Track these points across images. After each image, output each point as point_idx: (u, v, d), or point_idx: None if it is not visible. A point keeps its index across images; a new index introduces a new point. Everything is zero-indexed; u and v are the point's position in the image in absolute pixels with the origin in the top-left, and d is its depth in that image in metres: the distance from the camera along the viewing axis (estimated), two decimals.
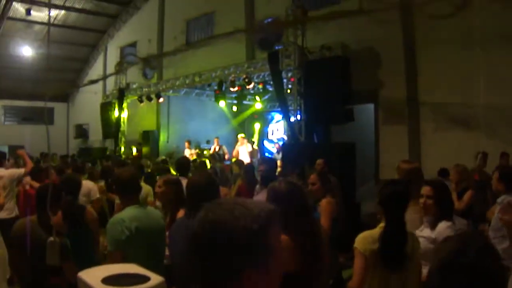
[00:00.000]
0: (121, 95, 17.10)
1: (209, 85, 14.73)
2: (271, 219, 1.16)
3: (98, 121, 18.93)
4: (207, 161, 11.25)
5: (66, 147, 24.10)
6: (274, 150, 16.02)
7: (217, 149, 14.83)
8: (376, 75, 11.48)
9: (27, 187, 6.65)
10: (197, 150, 15.31)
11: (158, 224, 3.44)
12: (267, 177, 5.50)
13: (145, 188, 6.01)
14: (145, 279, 1.59)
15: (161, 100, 15.91)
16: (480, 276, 1.23)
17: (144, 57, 18.99)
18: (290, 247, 2.35)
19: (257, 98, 15.67)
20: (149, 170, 9.03)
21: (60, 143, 22.48)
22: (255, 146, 15.75)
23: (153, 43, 19.63)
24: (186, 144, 15.69)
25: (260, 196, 5.11)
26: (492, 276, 1.25)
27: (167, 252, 3.43)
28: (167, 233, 3.39)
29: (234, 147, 14.48)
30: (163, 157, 13.74)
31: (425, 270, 2.81)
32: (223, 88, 13.63)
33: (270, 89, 13.22)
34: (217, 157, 13.37)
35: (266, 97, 15.72)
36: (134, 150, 17.63)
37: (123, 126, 17.72)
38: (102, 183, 7.10)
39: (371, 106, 11.82)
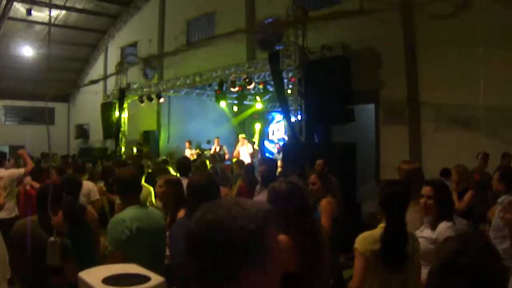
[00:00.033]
0: (121, 95, 17.10)
1: (210, 85, 14.73)
2: (268, 219, 1.16)
3: (99, 121, 18.93)
4: (207, 161, 11.23)
5: (66, 147, 24.11)
6: (275, 150, 16.01)
7: (217, 149, 14.83)
8: (377, 75, 11.48)
9: (28, 187, 6.65)
10: (197, 150, 15.31)
11: (159, 224, 3.44)
12: (268, 177, 5.49)
13: (146, 188, 6.01)
14: (146, 279, 1.59)
15: (161, 100, 15.91)
16: (480, 276, 1.23)
17: (144, 57, 19.00)
18: (291, 247, 2.35)
19: (258, 98, 15.66)
20: (150, 170, 9.02)
21: (60, 143, 22.49)
22: (256, 146, 15.75)
23: (153, 43, 19.64)
24: (187, 144, 15.69)
25: (261, 196, 5.10)
26: (492, 276, 1.25)
27: (167, 252, 3.43)
28: (167, 233, 3.39)
29: (234, 148, 14.48)
30: (164, 157, 13.74)
31: (425, 271, 2.81)
32: (224, 88, 13.63)
33: (271, 89, 13.22)
34: (217, 157, 13.37)
35: (267, 97, 15.71)
36: (135, 150, 17.62)
37: (124, 126, 17.71)
38: (101, 184, 7.10)
39: (371, 106, 11.82)
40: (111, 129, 17.83)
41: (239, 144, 14.18)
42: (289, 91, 11.09)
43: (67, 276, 3.32)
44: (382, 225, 2.86)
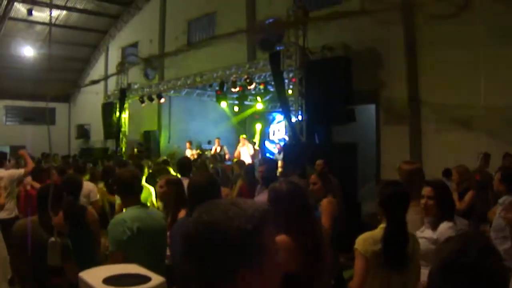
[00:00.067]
0: (122, 95, 17.12)
1: (211, 86, 14.73)
2: (265, 219, 1.16)
3: (100, 122, 18.94)
4: (207, 162, 11.24)
5: (67, 147, 24.13)
6: (276, 151, 16.01)
7: (218, 149, 14.83)
8: (377, 76, 11.48)
9: (28, 187, 6.66)
10: (198, 151, 15.32)
11: (160, 225, 3.44)
12: (268, 177, 5.50)
13: (146, 188, 6.02)
14: (146, 279, 1.59)
15: (162, 100, 15.93)
16: (481, 276, 1.23)
17: (145, 58, 19.01)
18: (292, 247, 2.35)
19: (258, 98, 15.67)
20: (150, 171, 9.02)
21: (61, 144, 22.52)
22: (257, 147, 15.75)
23: (154, 44, 19.64)
24: (187, 144, 15.70)
25: (261, 196, 5.11)
26: (493, 277, 1.25)
27: (168, 253, 3.43)
28: (168, 234, 3.40)
29: (235, 148, 14.48)
30: (164, 158, 13.75)
31: (425, 271, 2.81)
32: (225, 89, 13.63)
33: (272, 89, 13.22)
34: (218, 158, 13.38)
35: (268, 97, 15.72)
36: (135, 150, 17.62)
37: (125, 127, 17.74)
38: (101, 185, 7.10)
39: (372, 107, 11.82)
40: (112, 129, 17.85)
41: (240, 144, 14.18)
42: (289, 92, 11.09)
43: (67, 276, 3.32)
44: (382, 225, 2.86)
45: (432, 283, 1.32)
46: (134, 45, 21.43)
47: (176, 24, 18.63)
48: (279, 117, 16.75)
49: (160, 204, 5.18)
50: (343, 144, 10.30)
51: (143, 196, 4.40)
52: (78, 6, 20.18)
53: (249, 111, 17.31)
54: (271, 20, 14.74)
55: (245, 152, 13.74)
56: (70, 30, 21.14)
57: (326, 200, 4.75)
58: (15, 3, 18.74)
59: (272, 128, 17.70)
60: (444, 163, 8.06)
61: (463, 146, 9.21)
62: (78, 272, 1.69)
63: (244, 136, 14.70)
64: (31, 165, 6.88)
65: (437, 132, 10.31)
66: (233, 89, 13.28)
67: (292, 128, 11.01)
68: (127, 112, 17.68)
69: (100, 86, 21.51)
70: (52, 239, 3.16)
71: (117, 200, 5.49)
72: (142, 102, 16.21)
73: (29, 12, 19.04)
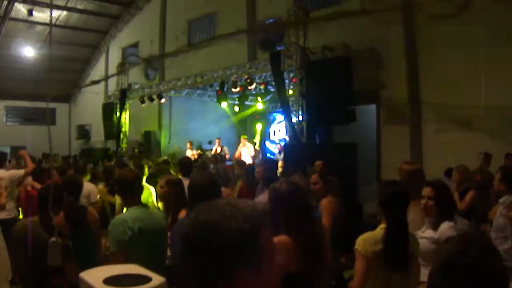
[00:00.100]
0: (123, 95, 17.11)
1: (211, 86, 14.74)
2: (263, 219, 1.16)
3: (100, 122, 18.93)
4: (208, 162, 11.23)
5: (68, 147, 24.15)
6: (276, 151, 16.01)
7: (218, 150, 14.83)
8: (378, 76, 11.49)
9: (29, 188, 6.66)
10: (198, 151, 15.32)
11: (160, 225, 3.44)
12: (269, 178, 5.50)
13: (147, 188, 6.02)
14: (147, 279, 1.59)
15: (163, 100, 15.92)
16: (481, 276, 1.23)
17: (146, 58, 19.02)
18: (292, 247, 2.36)
19: (259, 98, 15.66)
20: (151, 171, 9.02)
21: (62, 144, 22.52)
22: (257, 147, 15.74)
23: (155, 44, 19.65)
24: (188, 145, 15.69)
25: (262, 197, 5.11)
26: (493, 277, 1.25)
27: (168, 253, 3.43)
28: (169, 234, 3.40)
29: (236, 148, 14.47)
30: (165, 158, 13.75)
31: (426, 271, 2.81)
32: (225, 89, 13.63)
33: (272, 89, 13.22)
34: (219, 158, 13.37)
35: (268, 97, 15.70)
36: (136, 150, 17.64)
37: (125, 127, 17.72)
38: (101, 186, 7.10)
39: (373, 107, 11.82)
40: (112, 129, 17.84)
41: (241, 145, 14.17)
42: (290, 92, 11.09)
43: (68, 276, 3.32)
44: (382, 225, 2.86)
45: (432, 283, 1.32)
46: (135, 45, 21.44)
47: (177, 24, 18.64)
48: (279, 117, 16.74)
49: (160, 204, 5.17)
50: (344, 144, 10.30)
51: (143, 196, 4.40)
52: (79, 6, 20.20)
53: (250, 111, 17.30)
54: (271, 20, 14.75)
55: (246, 153, 13.74)
56: (70, 30, 21.17)
57: (326, 199, 4.76)
58: (16, 4, 18.75)
59: (273, 128, 17.70)
60: (445, 163, 8.07)
61: (464, 146, 9.21)
62: (79, 272, 1.69)
63: (245, 136, 14.69)
64: (31, 166, 6.89)
65: (438, 132, 10.31)
66: (233, 89, 13.28)
67: (292, 128, 11.00)
68: (127, 112, 17.67)
69: (101, 86, 21.52)
70: (53, 239, 3.16)
71: (118, 200, 5.50)
72: (143, 102, 16.20)
73: (30, 13, 19.06)
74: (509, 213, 3.69)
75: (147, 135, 18.58)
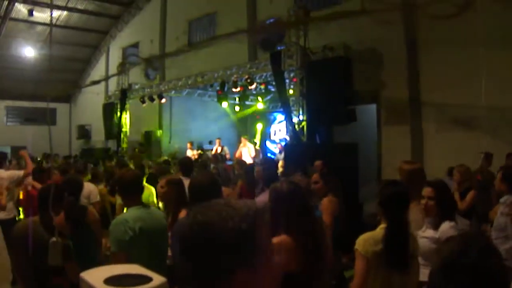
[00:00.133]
0: (123, 95, 17.12)
1: (211, 86, 14.74)
2: (260, 218, 1.16)
3: (101, 122, 18.93)
4: (208, 162, 11.24)
5: (68, 147, 24.17)
6: (277, 151, 16.00)
7: (219, 149, 14.82)
8: (378, 76, 11.49)
9: (29, 188, 6.67)
10: (199, 151, 15.31)
11: (161, 225, 3.44)
12: (268, 178, 5.50)
13: (147, 188, 6.02)
14: (147, 279, 1.59)
15: (163, 100, 15.92)
16: (482, 276, 1.23)
17: (146, 58, 19.04)
18: (292, 247, 2.36)
19: (259, 98, 15.66)
20: (151, 171, 9.03)
21: (62, 144, 22.55)
22: (258, 147, 15.74)
23: (155, 44, 19.65)
24: (188, 145, 15.68)
25: (262, 196, 5.11)
26: (494, 277, 1.25)
27: (169, 253, 3.43)
28: (169, 234, 3.40)
29: (236, 148, 14.47)
30: (165, 158, 13.75)
31: (427, 271, 2.81)
32: (226, 89, 13.63)
33: (272, 89, 13.21)
34: (219, 158, 13.37)
35: (268, 97, 15.70)
36: (136, 150, 17.64)
37: (125, 127, 17.72)
38: (102, 186, 7.11)
39: (373, 107, 11.82)
40: (113, 129, 17.83)
41: (241, 145, 14.17)
42: (290, 92, 11.09)
43: (68, 276, 3.32)
44: (382, 225, 2.86)
45: (433, 283, 1.32)
46: (135, 45, 21.45)
47: (177, 24, 18.63)
48: (280, 117, 16.74)
49: (161, 204, 5.18)
50: (344, 144, 10.29)
51: (143, 196, 4.40)
52: (79, 6, 20.21)
53: (250, 111, 17.30)
54: (272, 20, 14.75)
55: (246, 152, 13.74)
56: (71, 30, 21.17)
57: (327, 199, 4.76)
58: (16, 4, 18.77)
59: (273, 128, 17.70)
60: (445, 163, 8.06)
61: (464, 146, 9.20)
62: (79, 272, 1.69)
63: (246, 136, 14.68)
64: (30, 166, 6.89)
65: (438, 132, 10.31)
66: (234, 89, 13.28)
67: (293, 128, 11.00)
68: (128, 112, 17.67)
69: (101, 86, 21.53)
70: (53, 239, 3.16)
71: (118, 200, 5.50)
72: (143, 102, 16.20)
73: (30, 13, 19.07)
74: (510, 211, 3.68)
75: (148, 135, 18.59)
